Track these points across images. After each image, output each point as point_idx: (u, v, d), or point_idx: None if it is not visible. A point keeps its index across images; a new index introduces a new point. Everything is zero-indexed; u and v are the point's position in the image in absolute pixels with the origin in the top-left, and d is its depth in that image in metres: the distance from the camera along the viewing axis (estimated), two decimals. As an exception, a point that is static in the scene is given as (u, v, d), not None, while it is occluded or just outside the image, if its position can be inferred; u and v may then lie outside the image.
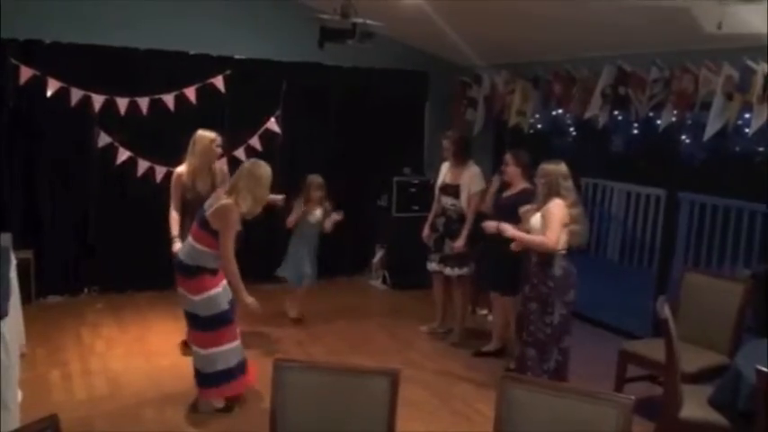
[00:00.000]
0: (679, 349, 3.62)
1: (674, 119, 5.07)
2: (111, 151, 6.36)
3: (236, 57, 6.78)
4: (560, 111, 6.12)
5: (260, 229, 6.20)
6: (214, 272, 4.18)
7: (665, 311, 3.51)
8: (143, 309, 6.14)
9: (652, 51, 5.20)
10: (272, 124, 7.01)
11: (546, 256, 4.38)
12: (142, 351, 5.24)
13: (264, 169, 4.27)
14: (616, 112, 5.63)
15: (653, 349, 4.25)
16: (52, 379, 4.64)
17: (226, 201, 4.11)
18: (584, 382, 4.87)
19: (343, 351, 5.43)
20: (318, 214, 5.94)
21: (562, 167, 4.42)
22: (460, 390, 4.79)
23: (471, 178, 5.51)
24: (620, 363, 4.51)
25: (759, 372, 2.83)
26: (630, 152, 9.14)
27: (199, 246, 4.14)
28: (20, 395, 4.27)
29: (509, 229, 4.51)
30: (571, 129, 6.13)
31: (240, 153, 6.85)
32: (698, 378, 3.99)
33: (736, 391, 3.26)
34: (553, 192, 4.36)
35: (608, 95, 5.53)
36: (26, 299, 6.02)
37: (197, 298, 4.13)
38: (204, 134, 5.12)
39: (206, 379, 4.18)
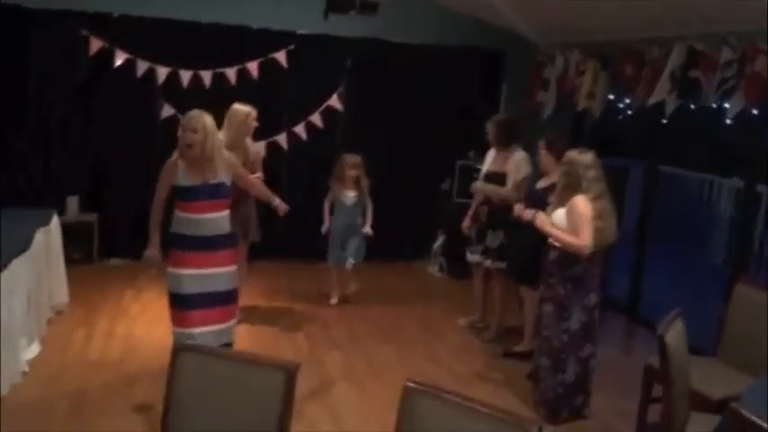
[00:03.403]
0: (685, 372, 3.15)
1: (743, 107, 4.39)
2: (173, 123, 6.51)
3: (300, 32, 6.71)
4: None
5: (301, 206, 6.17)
6: (183, 246, 4.03)
7: (665, 327, 3.03)
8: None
9: (727, 30, 4.53)
10: (335, 101, 6.89)
11: (567, 254, 3.97)
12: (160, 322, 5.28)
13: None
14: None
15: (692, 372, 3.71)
16: (75, 338, 4.82)
17: None
18: (613, 398, 4.43)
19: (367, 337, 5.26)
20: (352, 196, 5.70)
21: (586, 157, 3.99)
22: (472, 392, 4.40)
23: (517, 164, 5.12)
24: (644, 381, 3.98)
25: (732, 410, 2.35)
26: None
27: None
28: (37, 349, 4.50)
29: (545, 223, 4.10)
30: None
31: (300, 129, 6.83)
32: (723, 407, 3.44)
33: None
34: (572, 183, 3.95)
35: (677, 79, 4.90)
36: (88, 259, 6.42)
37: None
38: (241, 108, 5.10)
39: None
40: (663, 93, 5.00)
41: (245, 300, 5.54)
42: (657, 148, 6.39)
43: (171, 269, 4.01)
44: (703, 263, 8.12)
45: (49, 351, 4.52)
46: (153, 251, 4.05)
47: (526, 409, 4.21)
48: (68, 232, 5.85)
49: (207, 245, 4.02)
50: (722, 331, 4.00)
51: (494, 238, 5.19)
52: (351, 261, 5.80)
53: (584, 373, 4.11)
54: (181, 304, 3.98)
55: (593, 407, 4.29)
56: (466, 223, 5.43)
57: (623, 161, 8.90)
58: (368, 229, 5.78)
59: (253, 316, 5.45)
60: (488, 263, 5.25)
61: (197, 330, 3.97)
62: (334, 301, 5.93)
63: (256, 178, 5.18)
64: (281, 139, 6.78)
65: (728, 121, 5.01)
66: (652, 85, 5.11)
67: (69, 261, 5.63)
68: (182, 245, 4.00)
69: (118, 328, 5.03)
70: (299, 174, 6.95)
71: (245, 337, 5.02)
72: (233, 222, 5.11)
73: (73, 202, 6.37)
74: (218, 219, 4.07)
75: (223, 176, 4.06)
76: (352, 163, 5.68)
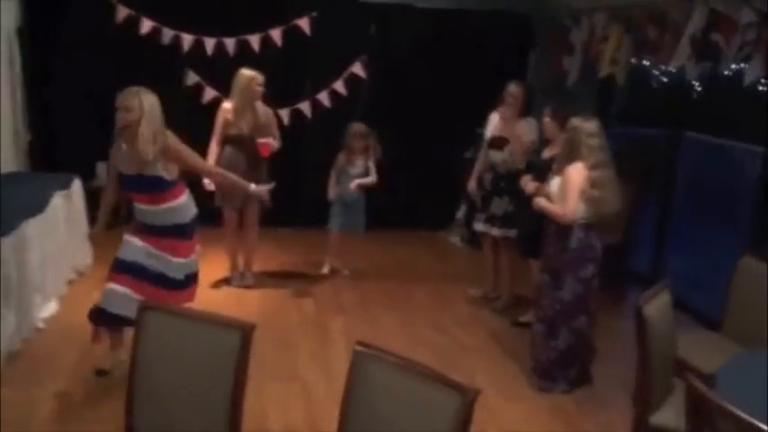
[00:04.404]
0: (668, 344, 3.08)
1: (762, 72, 4.20)
2: (197, 90, 6.61)
3: (324, -2, 6.70)
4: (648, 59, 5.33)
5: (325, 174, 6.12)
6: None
7: (646, 298, 2.96)
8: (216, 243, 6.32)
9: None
10: (358, 68, 6.83)
11: (563, 226, 3.92)
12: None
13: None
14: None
15: (690, 345, 3.63)
16: (93, 297, 4.92)
17: None
18: (618, 370, 4.38)
19: (375, 304, 5.31)
20: (360, 166, 5.63)
21: (590, 124, 3.90)
22: (472, 361, 4.45)
23: (528, 129, 5.03)
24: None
25: (689, 384, 2.28)
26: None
27: None
28: (55, 307, 4.71)
29: (538, 200, 4.06)
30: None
31: (323, 97, 6.81)
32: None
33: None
34: (574, 150, 3.87)
35: (698, 42, 4.70)
36: (114, 224, 6.59)
37: None
38: (244, 72, 5.17)
39: None
40: (683, 57, 4.81)
41: (260, 264, 5.70)
42: (686, 115, 6.17)
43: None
44: (738, 236, 7.82)
45: (66, 309, 4.72)
46: (96, 226, 3.99)
47: (524, 378, 4.21)
48: (97, 197, 6.06)
49: (151, 232, 3.74)
50: (725, 304, 3.89)
51: (498, 205, 5.14)
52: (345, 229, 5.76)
53: (578, 344, 4.07)
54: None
55: (596, 377, 4.25)
56: (471, 185, 5.39)
57: (661, 131, 8.61)
58: (355, 183, 5.62)
59: (265, 280, 5.59)
60: (495, 231, 5.20)
61: (113, 286, 3.74)
62: (325, 270, 5.86)
63: (268, 142, 5.23)
64: (305, 106, 6.80)
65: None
66: (673, 49, 4.93)
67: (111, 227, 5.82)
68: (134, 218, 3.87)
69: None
70: (323, 141, 6.96)
71: (255, 299, 5.17)
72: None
73: (102, 169, 6.56)
74: (160, 211, 3.71)
75: (160, 168, 3.60)
76: (358, 132, 5.59)
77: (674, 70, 5.19)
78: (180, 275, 3.80)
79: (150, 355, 2.52)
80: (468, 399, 2.11)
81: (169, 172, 3.65)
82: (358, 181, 5.65)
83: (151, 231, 3.73)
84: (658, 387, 3.02)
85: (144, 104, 3.55)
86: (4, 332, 3.87)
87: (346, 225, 5.75)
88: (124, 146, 3.64)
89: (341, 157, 5.69)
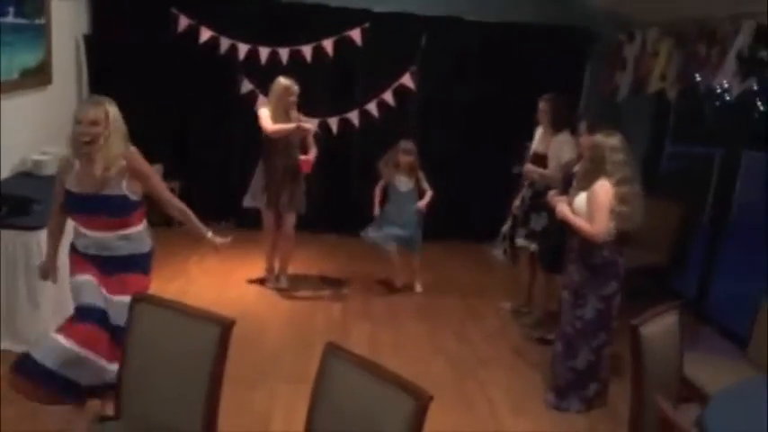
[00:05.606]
0: (669, 366, 2.97)
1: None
2: (252, 97, 6.82)
3: (376, 10, 6.79)
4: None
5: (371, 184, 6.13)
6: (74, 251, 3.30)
7: (643, 319, 2.87)
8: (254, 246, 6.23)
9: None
10: (407, 80, 6.90)
11: (587, 241, 3.84)
12: (215, 284, 5.60)
13: None
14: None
15: (705, 366, 3.51)
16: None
17: None
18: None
19: (403, 314, 5.32)
20: (406, 181, 5.56)
21: (611, 140, 3.81)
22: (489, 373, 4.42)
23: (562, 146, 4.95)
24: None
25: (659, 407, 2.20)
26: None
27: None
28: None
29: (563, 210, 3.98)
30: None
31: (372, 107, 6.91)
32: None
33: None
34: (596, 166, 3.79)
35: (745, 59, 4.52)
36: (168, 223, 6.85)
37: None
38: (281, 81, 5.28)
39: None
40: (728, 73, 4.63)
41: (299, 268, 5.83)
42: (746, 133, 5.92)
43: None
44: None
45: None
46: (44, 263, 3.40)
47: (540, 394, 4.15)
48: (151, 198, 6.33)
49: (102, 266, 3.19)
50: (752, 329, 3.71)
51: (537, 221, 5.08)
52: (404, 245, 5.65)
53: (597, 361, 3.97)
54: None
55: (618, 397, 4.11)
56: (516, 203, 5.36)
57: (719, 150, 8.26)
58: (422, 204, 5.56)
59: (301, 283, 5.70)
60: (533, 246, 5.14)
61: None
62: (399, 283, 5.78)
63: (309, 159, 5.33)
64: (353, 116, 6.92)
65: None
66: (720, 65, 4.75)
67: (149, 224, 6.08)
68: (74, 250, 3.27)
69: (172, 286, 5.39)
70: (371, 150, 7.03)
71: (286, 302, 5.31)
72: (279, 192, 5.32)
73: (157, 170, 6.85)
74: (118, 239, 3.18)
75: (125, 187, 3.13)
76: (406, 149, 5.54)
77: (723, 86, 5.00)
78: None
79: (139, 344, 2.65)
80: (421, 403, 2.10)
81: (133, 192, 3.17)
82: (423, 203, 5.56)
83: (102, 266, 3.18)
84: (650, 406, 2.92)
85: (110, 116, 3.11)
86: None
87: (402, 240, 5.64)
88: (77, 163, 3.12)
89: (386, 172, 5.62)
